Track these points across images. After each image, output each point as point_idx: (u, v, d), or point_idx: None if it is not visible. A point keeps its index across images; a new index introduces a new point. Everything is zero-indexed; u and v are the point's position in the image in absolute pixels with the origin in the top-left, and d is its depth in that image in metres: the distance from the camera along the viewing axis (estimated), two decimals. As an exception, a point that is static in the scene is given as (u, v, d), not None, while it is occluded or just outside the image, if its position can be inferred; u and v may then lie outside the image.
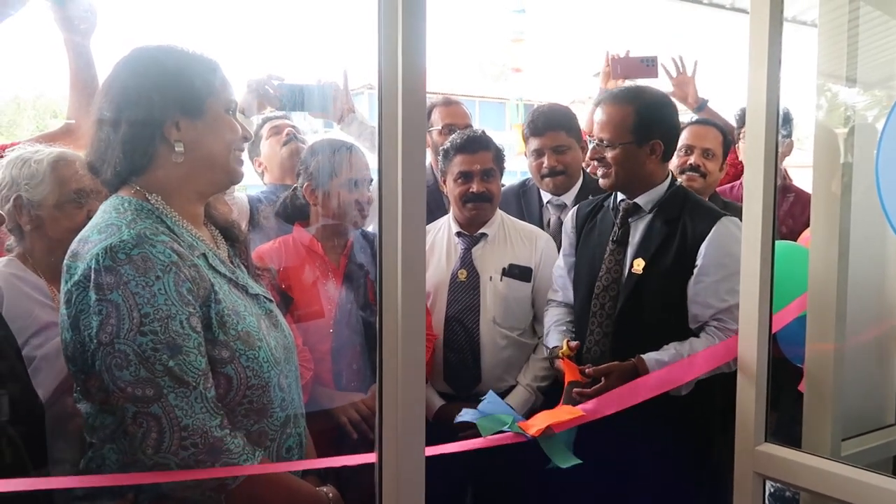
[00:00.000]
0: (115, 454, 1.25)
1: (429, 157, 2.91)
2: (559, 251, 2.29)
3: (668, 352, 1.89)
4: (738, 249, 1.90)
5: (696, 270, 1.92)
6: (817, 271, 1.68)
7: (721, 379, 1.78)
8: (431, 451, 1.28)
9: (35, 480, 1.22)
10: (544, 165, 2.51)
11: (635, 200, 2.04)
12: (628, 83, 2.84)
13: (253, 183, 2.84)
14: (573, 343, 1.95)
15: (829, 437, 1.64)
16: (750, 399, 1.55)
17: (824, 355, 1.66)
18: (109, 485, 1.23)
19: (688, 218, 1.97)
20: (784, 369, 1.84)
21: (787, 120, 2.85)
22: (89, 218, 1.44)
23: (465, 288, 2.28)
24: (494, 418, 1.64)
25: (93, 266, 1.16)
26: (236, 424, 1.27)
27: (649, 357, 1.88)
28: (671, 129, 2.06)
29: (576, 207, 2.28)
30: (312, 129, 2.64)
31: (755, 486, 1.55)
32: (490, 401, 1.75)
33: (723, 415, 1.76)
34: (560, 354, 1.94)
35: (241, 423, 1.28)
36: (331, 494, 1.38)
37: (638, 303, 1.95)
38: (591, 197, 2.32)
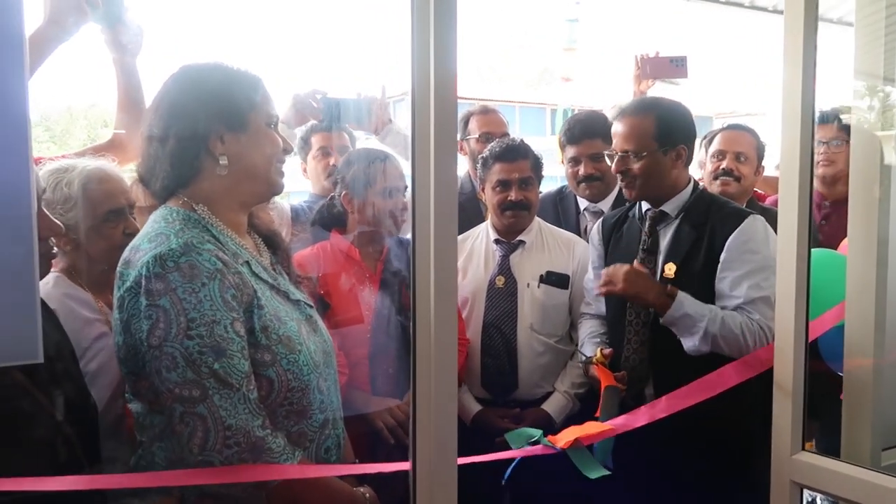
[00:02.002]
0: (164, 452, 1.31)
1: (467, 166, 2.95)
2: None
3: (706, 306, 1.89)
4: (762, 246, 1.91)
5: (719, 266, 1.94)
6: (855, 280, 1.66)
7: (757, 387, 1.78)
8: (464, 460, 1.30)
9: (87, 479, 1.29)
10: (581, 173, 2.53)
11: (661, 208, 2.06)
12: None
13: (299, 189, 2.92)
14: (607, 350, 1.97)
15: (869, 447, 1.63)
16: (786, 407, 1.54)
17: (863, 365, 1.64)
18: (159, 485, 1.30)
19: (716, 220, 1.99)
20: (828, 379, 1.82)
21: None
22: (127, 234, 1.51)
23: (503, 294, 2.30)
24: (522, 432, 1.67)
25: (143, 273, 1.23)
26: (277, 425, 1.32)
27: (686, 295, 1.89)
28: (692, 134, 2.09)
29: (600, 220, 2.30)
30: (365, 136, 2.71)
31: (792, 494, 1.54)
32: None
33: (760, 423, 1.76)
34: (594, 361, 1.95)
35: (282, 423, 1.34)
36: (367, 495, 1.42)
37: None
38: (628, 204, 2.33)
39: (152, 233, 1.30)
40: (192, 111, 1.33)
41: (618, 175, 2.08)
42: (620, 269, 1.94)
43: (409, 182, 1.31)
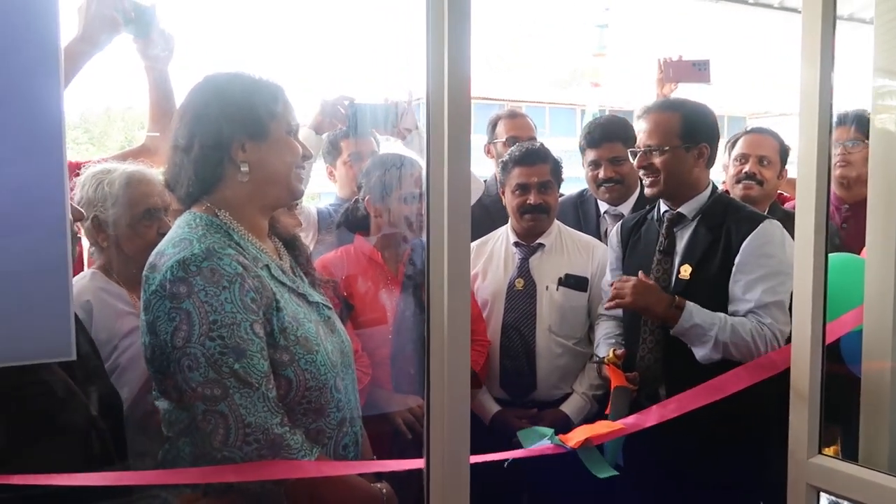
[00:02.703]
0: (189, 447, 1.37)
1: (493, 169, 2.98)
2: None
3: (715, 315, 1.90)
4: (777, 250, 1.91)
5: (734, 269, 1.95)
6: (873, 283, 1.65)
7: (773, 389, 1.78)
8: (476, 458, 1.33)
9: (114, 475, 1.34)
10: (601, 176, 2.54)
11: (679, 210, 2.07)
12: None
13: (329, 191, 2.97)
14: (619, 351, 1.99)
15: (887, 451, 1.61)
16: (803, 410, 1.54)
17: (882, 367, 1.63)
18: (183, 482, 1.35)
19: (732, 224, 1.99)
20: (852, 383, 1.81)
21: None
22: (160, 234, 1.57)
23: (522, 297, 2.33)
24: (534, 431, 1.70)
25: (168, 277, 1.29)
26: (296, 422, 1.37)
27: (694, 305, 1.90)
28: (716, 135, 2.11)
29: (619, 223, 2.32)
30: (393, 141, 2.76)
31: (808, 497, 1.54)
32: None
33: (777, 426, 1.76)
34: (606, 361, 1.97)
35: (301, 421, 1.39)
36: (385, 490, 1.46)
37: None
38: (647, 206, 2.34)
39: (176, 238, 1.36)
40: (215, 120, 1.38)
41: (640, 172, 2.10)
42: (628, 282, 1.96)
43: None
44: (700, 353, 1.91)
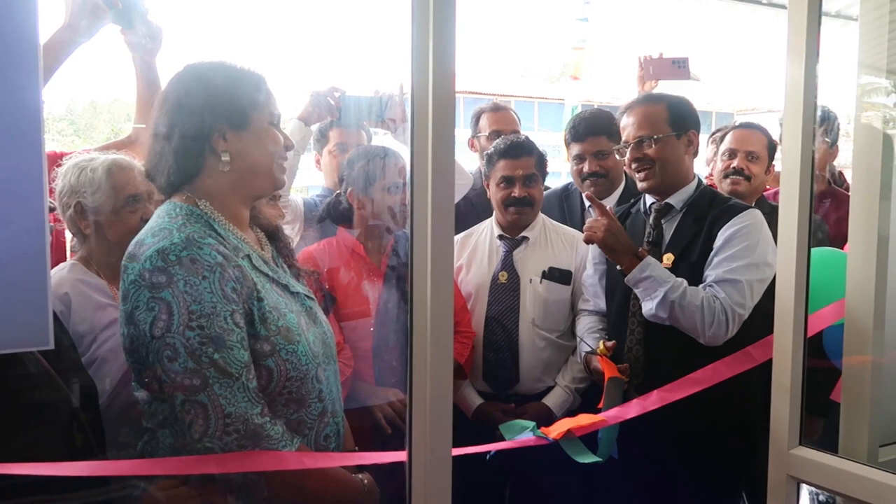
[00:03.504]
0: (169, 438, 1.35)
1: (478, 162, 2.97)
2: None
3: (672, 276, 1.92)
4: (751, 238, 1.93)
5: (711, 254, 1.97)
6: (855, 277, 1.66)
7: (756, 381, 1.79)
8: (458, 451, 1.33)
9: (92, 465, 1.33)
10: (585, 170, 2.54)
11: (667, 201, 2.08)
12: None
13: (318, 183, 2.95)
14: (609, 343, 1.99)
15: (867, 443, 1.63)
16: (784, 402, 1.55)
17: (862, 361, 1.64)
18: (166, 472, 1.34)
19: (715, 214, 2.01)
20: (834, 377, 1.83)
21: (829, 121, 2.79)
22: (143, 221, 1.56)
23: (506, 290, 2.33)
24: (516, 423, 1.70)
25: (146, 267, 1.27)
26: (277, 413, 1.36)
27: (654, 260, 1.94)
28: (699, 123, 2.14)
29: None
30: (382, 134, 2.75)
31: (789, 489, 1.55)
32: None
33: (758, 417, 1.77)
34: (598, 353, 1.98)
35: (282, 411, 1.38)
36: (366, 481, 1.46)
37: None
38: (632, 200, 2.35)
39: (156, 227, 1.34)
40: (196, 109, 1.37)
41: (633, 165, 2.09)
42: (602, 220, 1.98)
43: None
44: (647, 307, 1.94)
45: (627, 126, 2.10)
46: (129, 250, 1.35)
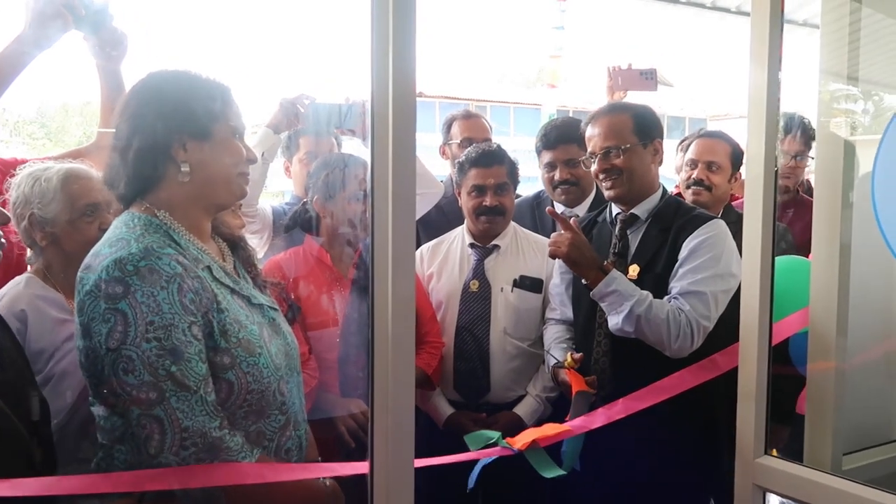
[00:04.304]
0: (124, 454, 1.32)
1: (449, 170, 2.97)
2: None
3: (637, 289, 1.92)
4: (715, 248, 1.93)
5: (675, 265, 1.97)
6: (818, 285, 1.67)
7: (724, 389, 1.79)
8: (421, 462, 1.32)
9: (44, 482, 1.29)
10: (556, 178, 2.54)
11: (633, 211, 2.08)
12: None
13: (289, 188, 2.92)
14: (577, 355, 1.98)
15: (830, 451, 1.63)
16: (750, 411, 1.55)
17: (826, 369, 1.65)
18: (121, 489, 1.30)
19: (680, 224, 2.01)
20: (797, 386, 1.84)
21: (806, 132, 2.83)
22: (101, 230, 1.53)
23: (477, 298, 2.32)
24: (480, 434, 1.69)
25: (103, 277, 1.24)
26: (236, 425, 1.34)
27: (620, 274, 1.94)
28: (662, 132, 2.15)
29: None
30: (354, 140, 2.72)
31: (755, 498, 1.55)
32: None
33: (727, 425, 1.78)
34: (565, 366, 1.97)
35: (241, 423, 1.35)
36: (328, 483, 1.44)
37: None
38: (599, 209, 2.35)
39: (113, 238, 1.32)
40: (156, 118, 1.34)
41: (600, 175, 2.09)
42: (566, 234, 1.98)
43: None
44: (613, 321, 1.93)
45: (594, 137, 2.09)
46: (85, 261, 1.32)
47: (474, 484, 1.68)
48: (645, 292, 1.92)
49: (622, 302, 1.89)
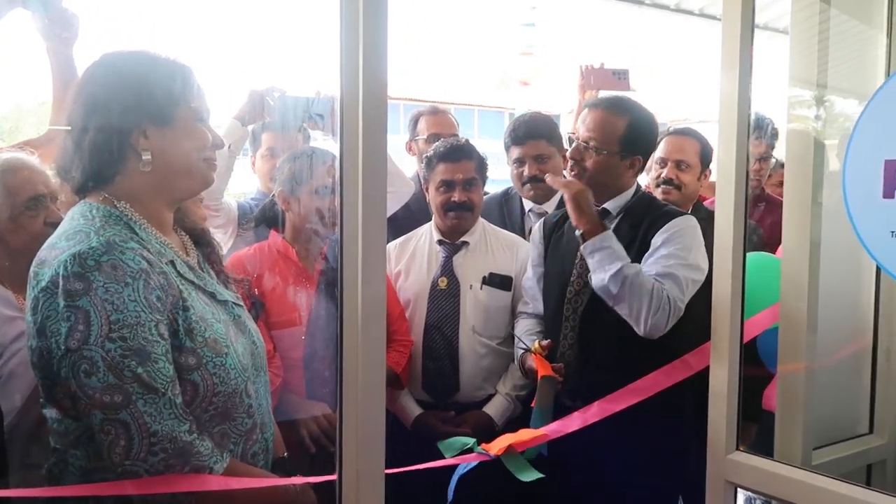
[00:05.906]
0: (81, 460, 1.25)
1: (416, 166, 2.93)
2: None
3: (626, 257, 1.89)
4: (686, 240, 1.93)
5: (645, 256, 1.96)
6: (789, 282, 1.68)
7: (699, 386, 1.79)
8: (392, 470, 1.29)
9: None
10: (525, 174, 2.52)
11: (604, 206, 2.07)
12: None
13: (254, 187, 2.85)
14: (545, 342, 1.97)
15: (801, 447, 1.65)
16: (721, 408, 1.56)
17: (796, 365, 1.67)
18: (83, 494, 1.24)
19: (651, 219, 2.01)
20: (765, 383, 1.85)
21: (771, 133, 2.86)
22: (48, 224, 1.44)
23: (445, 296, 2.29)
24: (456, 440, 1.67)
25: (61, 273, 1.17)
26: (201, 428, 1.27)
27: (613, 234, 1.92)
28: (651, 148, 2.14)
29: (542, 220, 2.30)
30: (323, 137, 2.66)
31: (726, 494, 1.56)
32: None
33: (693, 421, 1.78)
34: (533, 351, 1.95)
35: (205, 426, 1.29)
36: (297, 486, 1.38)
37: (604, 302, 1.94)
38: None
39: (70, 230, 1.24)
40: (113, 104, 1.27)
41: (570, 162, 2.06)
42: (577, 182, 1.96)
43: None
44: (598, 278, 1.88)
45: (586, 119, 2.05)
46: (39, 255, 1.24)
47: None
48: (631, 266, 1.89)
49: (613, 260, 1.86)
